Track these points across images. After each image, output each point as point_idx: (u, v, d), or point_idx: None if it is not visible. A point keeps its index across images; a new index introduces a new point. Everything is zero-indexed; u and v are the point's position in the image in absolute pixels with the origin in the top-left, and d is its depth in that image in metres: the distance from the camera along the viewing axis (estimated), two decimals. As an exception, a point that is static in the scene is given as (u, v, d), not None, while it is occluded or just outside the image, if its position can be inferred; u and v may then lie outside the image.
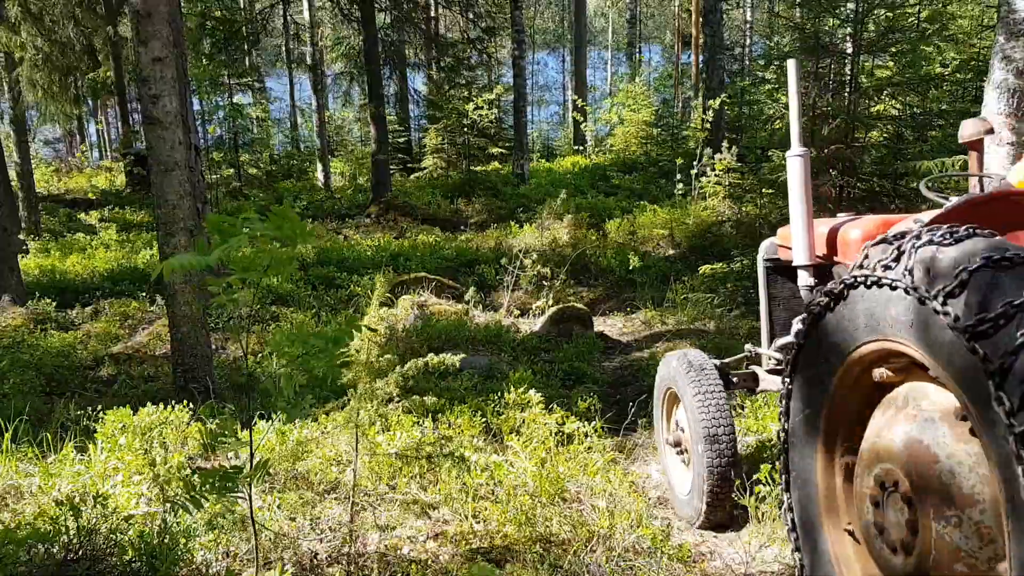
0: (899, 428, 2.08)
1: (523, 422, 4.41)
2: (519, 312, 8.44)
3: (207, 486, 2.17)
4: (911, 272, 1.88)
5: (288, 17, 20.73)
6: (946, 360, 1.80)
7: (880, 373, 2.20)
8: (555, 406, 4.67)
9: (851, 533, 2.29)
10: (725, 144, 10.97)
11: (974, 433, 1.84)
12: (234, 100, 17.81)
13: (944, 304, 1.76)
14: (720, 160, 10.95)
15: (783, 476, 2.52)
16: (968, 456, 1.89)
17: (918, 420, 2.04)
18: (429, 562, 3.08)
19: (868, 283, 2.06)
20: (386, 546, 3.18)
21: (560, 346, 7.06)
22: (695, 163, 12.61)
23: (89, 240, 12.39)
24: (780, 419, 2.53)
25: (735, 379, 3.78)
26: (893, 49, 8.95)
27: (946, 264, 1.80)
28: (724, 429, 3.41)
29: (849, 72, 9.10)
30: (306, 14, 18.41)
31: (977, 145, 3.28)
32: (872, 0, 8.64)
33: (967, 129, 3.69)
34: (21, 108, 13.65)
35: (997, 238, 1.88)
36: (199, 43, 14.12)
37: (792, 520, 2.47)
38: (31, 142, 19.67)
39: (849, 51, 9.09)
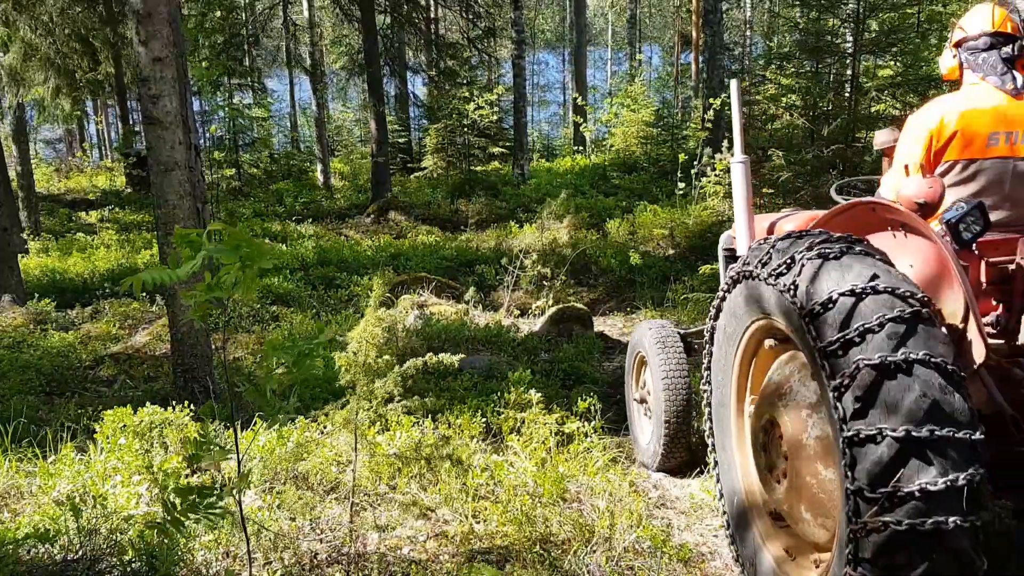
0: (775, 383, 2.73)
1: (523, 422, 4.41)
2: (519, 312, 8.44)
3: (187, 504, 2.17)
4: (770, 267, 2.48)
5: (288, 17, 20.73)
6: (792, 326, 2.39)
7: (769, 343, 2.86)
8: (555, 406, 4.67)
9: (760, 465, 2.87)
10: (725, 144, 10.97)
11: (815, 377, 2.39)
12: (234, 100, 17.82)
13: (779, 281, 2.40)
14: (720, 160, 10.95)
15: (708, 421, 3.28)
16: (813, 395, 2.50)
17: (788, 377, 2.68)
18: (429, 562, 3.08)
19: (747, 276, 2.68)
20: (386, 546, 3.18)
21: (560, 346, 7.06)
22: (695, 163, 12.61)
23: (89, 240, 12.40)
24: (702, 380, 3.27)
25: (696, 346, 4.33)
26: (894, 49, 8.95)
27: (777, 255, 2.49)
28: (681, 385, 3.99)
29: (850, 72, 9.11)
30: (306, 14, 18.42)
31: (890, 152, 3.65)
32: (873, 0, 8.65)
33: (880, 138, 4.47)
34: (21, 107, 13.64)
35: (828, 236, 2.42)
36: (199, 43, 14.12)
37: (714, 457, 3.22)
38: (31, 142, 19.67)
39: (850, 51, 9.10)
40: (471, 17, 16.84)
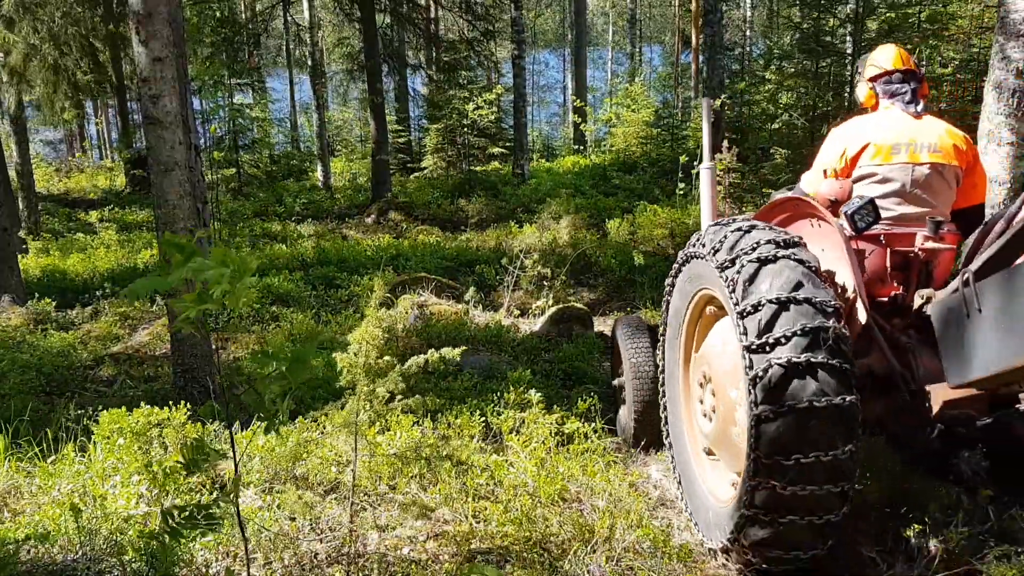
0: (708, 342, 3.47)
1: (523, 422, 4.41)
2: (519, 312, 8.43)
3: (186, 517, 2.17)
4: (709, 247, 3.21)
5: (289, 17, 20.72)
6: (728, 309, 3.02)
7: (710, 310, 3.53)
8: (555, 406, 4.67)
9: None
10: (725, 144, 10.97)
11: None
12: (234, 100, 17.82)
13: (724, 274, 3.01)
14: (720, 160, 10.95)
15: (661, 375, 3.98)
16: (736, 352, 2.99)
17: (718, 336, 3.36)
18: (429, 562, 3.08)
19: (697, 257, 3.39)
20: (386, 546, 3.18)
21: (560, 346, 7.06)
22: (695, 163, 12.60)
23: (89, 240, 12.39)
24: (659, 344, 3.98)
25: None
26: (893, 49, 8.95)
27: (718, 238, 3.18)
28: (647, 369, 4.47)
29: (849, 72, 9.11)
30: (306, 14, 18.42)
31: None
32: (872, 0, 8.65)
33: None
34: (21, 108, 13.64)
35: (749, 222, 3.18)
36: (199, 43, 14.13)
37: (664, 404, 3.97)
38: (31, 142, 19.67)
39: (849, 51, 9.10)
40: (470, 19, 16.82)
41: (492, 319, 7.93)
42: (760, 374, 2.72)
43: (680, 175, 12.77)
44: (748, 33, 25.37)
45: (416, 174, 18.64)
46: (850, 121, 3.73)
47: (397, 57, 18.75)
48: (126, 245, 12.09)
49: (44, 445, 4.19)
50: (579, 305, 8.12)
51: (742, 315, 2.84)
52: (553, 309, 7.86)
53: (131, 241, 12.41)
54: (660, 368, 3.99)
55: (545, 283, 8.59)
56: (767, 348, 2.75)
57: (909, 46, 8.81)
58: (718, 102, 13.07)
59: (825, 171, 3.63)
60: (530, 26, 33.44)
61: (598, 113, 23.84)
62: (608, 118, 21.14)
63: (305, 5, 18.51)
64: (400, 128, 20.78)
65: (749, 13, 25.55)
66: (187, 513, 2.18)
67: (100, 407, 4.46)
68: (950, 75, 12.27)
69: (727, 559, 3.15)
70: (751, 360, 2.77)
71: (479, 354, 6.68)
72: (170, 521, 2.18)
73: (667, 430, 3.92)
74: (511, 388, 4.80)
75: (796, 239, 3.02)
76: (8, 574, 2.65)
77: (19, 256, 9.10)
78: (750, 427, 2.76)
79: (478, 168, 16.96)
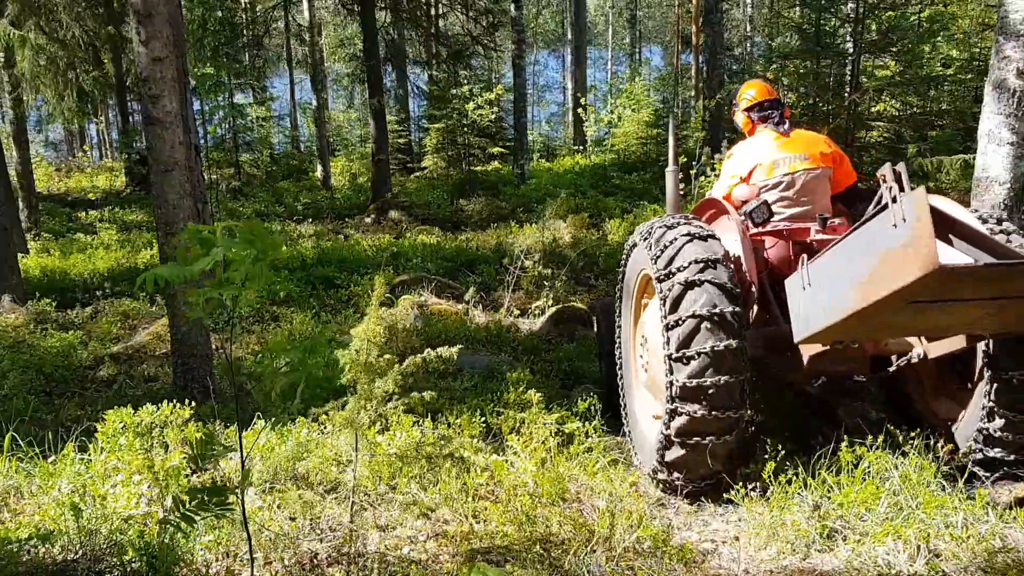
0: (646, 313, 4.41)
1: (523, 422, 4.41)
2: (519, 312, 8.43)
3: (198, 502, 2.17)
4: (644, 237, 4.16)
5: (290, 17, 20.73)
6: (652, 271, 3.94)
7: (649, 288, 4.36)
8: (555, 406, 4.66)
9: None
10: (724, 144, 10.96)
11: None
12: (234, 100, 17.82)
13: (655, 263, 3.90)
14: (719, 160, 10.94)
15: (617, 339, 4.88)
16: (660, 323, 3.83)
17: (653, 307, 4.20)
18: (429, 562, 3.08)
19: (636, 244, 4.35)
20: (386, 546, 3.17)
21: (560, 346, 7.05)
22: (694, 163, 12.59)
23: (89, 240, 12.39)
24: (615, 316, 4.93)
25: None
26: (894, 49, 8.95)
27: (651, 230, 4.12)
28: (617, 345, 4.96)
29: (849, 72, 9.11)
30: (306, 13, 18.42)
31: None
32: (873, 0, 8.65)
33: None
34: (22, 108, 13.64)
35: (679, 219, 4.11)
36: (200, 44, 14.12)
37: (619, 361, 4.86)
38: (33, 142, 19.66)
39: (850, 51, 9.10)
40: (473, 16, 16.82)
41: (492, 319, 7.93)
42: (671, 324, 3.68)
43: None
44: (748, 31, 25.35)
45: (416, 174, 18.64)
46: (738, 146, 4.71)
47: (398, 55, 18.75)
48: (126, 245, 12.09)
49: (44, 445, 4.19)
50: (579, 305, 8.12)
51: (661, 292, 3.78)
52: (553, 309, 7.86)
53: (131, 241, 12.41)
54: (617, 334, 4.87)
55: (545, 283, 8.59)
56: (678, 309, 3.68)
57: (909, 46, 8.81)
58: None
59: (732, 178, 4.53)
60: (530, 26, 33.43)
61: (599, 113, 23.83)
62: (608, 119, 21.13)
63: (305, 5, 18.52)
64: (400, 128, 20.78)
65: (750, 12, 25.54)
66: (198, 499, 2.17)
67: (100, 407, 4.46)
68: (952, 75, 12.28)
69: (653, 478, 4.00)
70: (669, 320, 3.70)
71: (479, 354, 6.67)
72: (181, 508, 2.17)
73: (621, 383, 4.79)
74: (511, 388, 4.80)
75: (709, 232, 3.92)
76: (8, 574, 2.65)
77: (19, 256, 9.10)
78: (666, 368, 3.69)
79: (478, 168, 16.95)
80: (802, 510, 3.42)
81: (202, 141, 17.59)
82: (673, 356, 3.63)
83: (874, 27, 9.00)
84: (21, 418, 4.58)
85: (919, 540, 3.15)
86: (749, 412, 3.87)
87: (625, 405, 4.66)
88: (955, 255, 3.02)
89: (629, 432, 4.53)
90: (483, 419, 4.53)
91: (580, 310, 7.84)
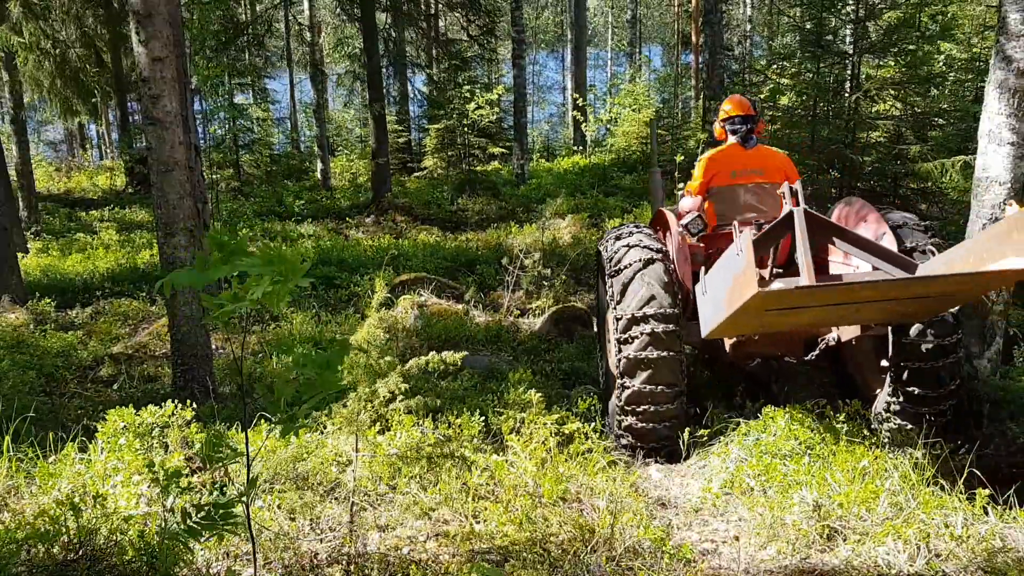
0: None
1: (523, 422, 4.41)
2: (519, 312, 8.43)
3: (204, 516, 2.16)
4: (607, 251, 4.89)
5: (290, 17, 20.71)
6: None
7: None
8: (555, 406, 4.66)
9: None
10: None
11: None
12: (235, 100, 17.81)
13: (605, 251, 4.93)
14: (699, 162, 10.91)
15: (597, 317, 6.00)
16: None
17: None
18: (429, 562, 3.08)
19: (601, 247, 5.08)
20: (386, 546, 3.17)
21: (560, 346, 7.05)
22: (694, 163, 12.59)
23: (89, 240, 12.38)
24: (596, 299, 5.97)
25: None
26: (894, 49, 8.93)
27: (610, 235, 5.05)
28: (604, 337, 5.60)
29: (850, 72, 9.10)
30: (306, 13, 18.41)
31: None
32: (873, 0, 8.63)
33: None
34: (22, 108, 13.63)
35: (630, 227, 4.99)
36: (201, 44, 14.10)
37: (600, 333, 5.71)
38: (34, 143, 19.65)
39: (850, 51, 9.10)
40: (471, 17, 16.80)
41: (492, 319, 7.93)
42: (618, 316, 4.50)
43: (679, 175, 12.76)
44: (748, 30, 25.33)
45: (416, 174, 18.62)
46: (707, 153, 5.37)
47: (398, 56, 18.74)
48: (126, 245, 12.08)
49: (44, 445, 4.18)
50: (579, 305, 8.11)
51: (611, 286, 4.62)
52: (553, 309, 7.86)
53: (131, 241, 12.40)
54: (599, 322, 5.71)
55: (545, 283, 8.58)
56: (623, 302, 4.50)
57: (909, 46, 8.79)
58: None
59: (688, 191, 5.26)
60: (530, 25, 33.42)
61: (598, 113, 23.81)
62: (608, 119, 21.12)
63: (305, 5, 18.51)
64: (400, 128, 20.77)
65: (750, 12, 25.51)
66: (204, 513, 2.17)
67: (100, 407, 4.46)
68: (952, 75, 12.27)
69: (616, 443, 4.70)
70: (616, 310, 4.52)
71: (479, 354, 6.67)
72: (187, 521, 2.16)
73: (601, 363, 5.61)
74: (511, 388, 4.80)
75: (655, 240, 4.76)
76: (8, 574, 2.65)
77: (19, 256, 9.09)
78: (616, 349, 4.52)
79: (478, 168, 16.93)
80: (802, 510, 3.43)
81: (202, 141, 17.59)
82: (620, 339, 4.46)
83: (874, 27, 9.01)
84: (21, 418, 4.57)
85: (919, 540, 3.15)
86: (686, 384, 4.56)
87: (603, 379, 5.52)
88: (855, 264, 4.22)
89: (605, 404, 5.21)
90: (483, 419, 4.53)
91: (580, 310, 7.84)
